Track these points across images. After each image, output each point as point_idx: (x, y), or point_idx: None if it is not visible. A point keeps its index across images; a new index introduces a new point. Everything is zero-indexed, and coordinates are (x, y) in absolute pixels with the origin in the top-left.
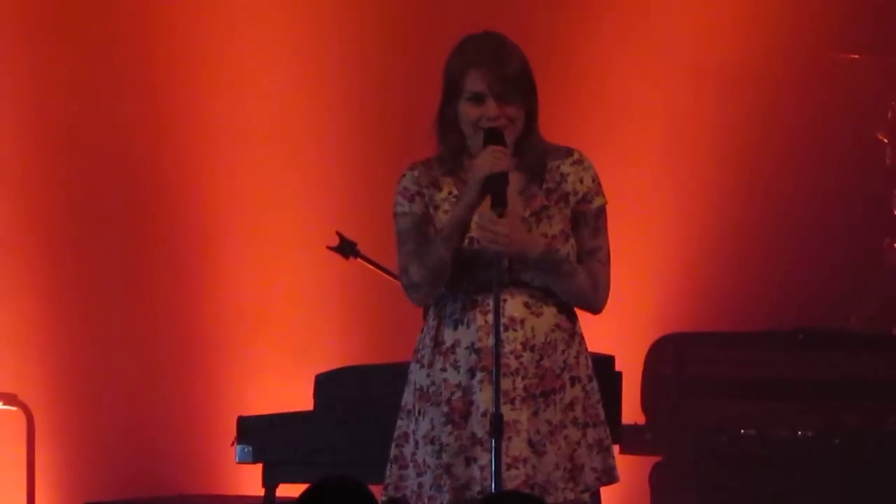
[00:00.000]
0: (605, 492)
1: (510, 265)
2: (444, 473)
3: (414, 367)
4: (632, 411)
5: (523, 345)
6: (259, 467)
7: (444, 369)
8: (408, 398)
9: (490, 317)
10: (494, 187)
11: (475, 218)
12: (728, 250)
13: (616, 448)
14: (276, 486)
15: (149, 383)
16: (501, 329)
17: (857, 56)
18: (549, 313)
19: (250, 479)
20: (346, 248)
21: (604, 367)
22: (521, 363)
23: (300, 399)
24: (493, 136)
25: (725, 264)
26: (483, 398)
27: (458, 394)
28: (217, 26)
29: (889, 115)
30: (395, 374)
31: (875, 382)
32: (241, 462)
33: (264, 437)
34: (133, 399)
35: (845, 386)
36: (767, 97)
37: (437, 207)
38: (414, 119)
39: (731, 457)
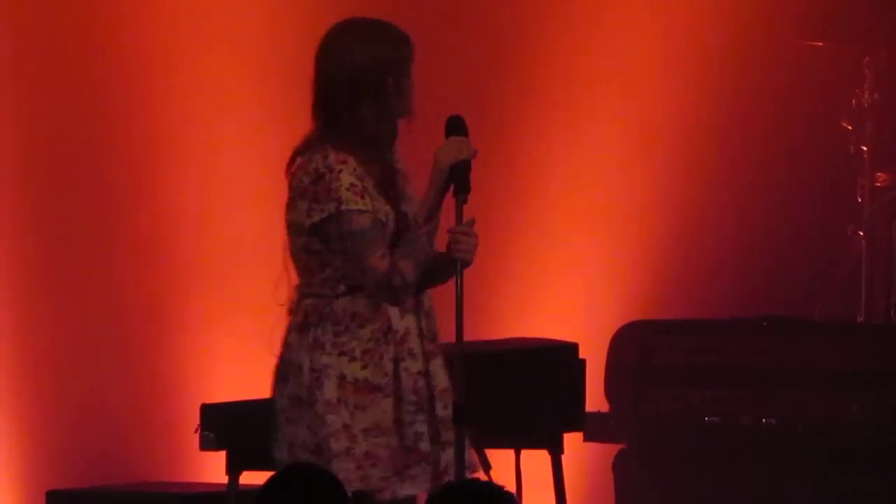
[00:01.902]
0: (569, 479)
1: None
2: (421, 461)
3: (337, 360)
4: (595, 399)
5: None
6: (223, 454)
7: (400, 359)
8: (332, 392)
9: (423, 298)
10: (459, 175)
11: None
12: (692, 238)
13: (579, 435)
14: (239, 473)
15: (110, 370)
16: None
17: (820, 43)
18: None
19: (214, 467)
20: None
21: (567, 354)
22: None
23: (263, 386)
24: (457, 125)
25: (689, 252)
26: (440, 381)
27: (422, 381)
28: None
29: (853, 102)
30: None
31: (839, 371)
32: (204, 449)
33: (228, 424)
34: (94, 386)
35: (809, 375)
36: (730, 85)
37: (373, 199)
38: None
39: (694, 445)
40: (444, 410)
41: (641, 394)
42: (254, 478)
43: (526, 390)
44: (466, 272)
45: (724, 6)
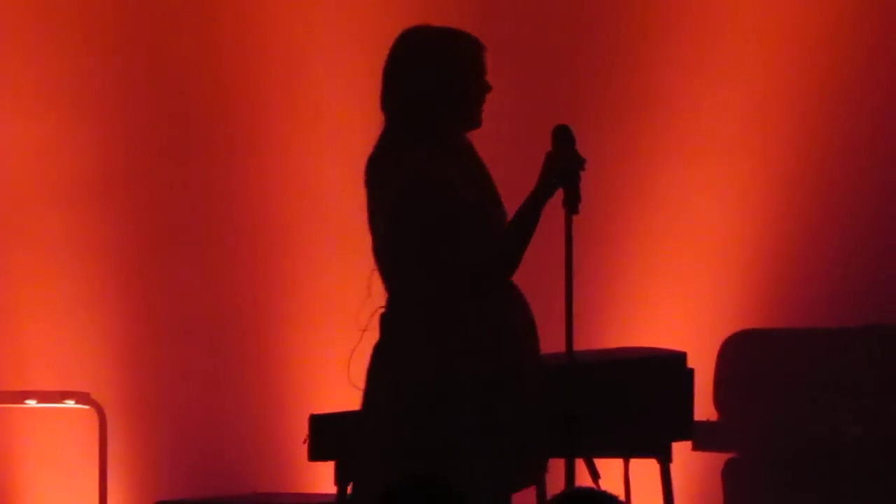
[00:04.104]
0: (678, 488)
1: None
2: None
3: (447, 356)
4: (705, 408)
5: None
6: (332, 465)
7: (511, 353)
8: (452, 388)
9: (516, 292)
10: (570, 184)
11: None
12: (799, 245)
13: (688, 444)
14: (348, 484)
15: (221, 381)
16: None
17: None
18: None
19: (323, 477)
20: None
21: (676, 363)
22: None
23: None
24: (564, 134)
25: (797, 260)
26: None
27: (529, 377)
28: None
29: None
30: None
31: None
32: (313, 460)
33: (337, 434)
34: (205, 397)
35: None
36: (834, 89)
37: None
38: None
39: (803, 454)
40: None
41: (750, 402)
42: None
43: (635, 399)
44: (576, 283)
45: (832, 18)
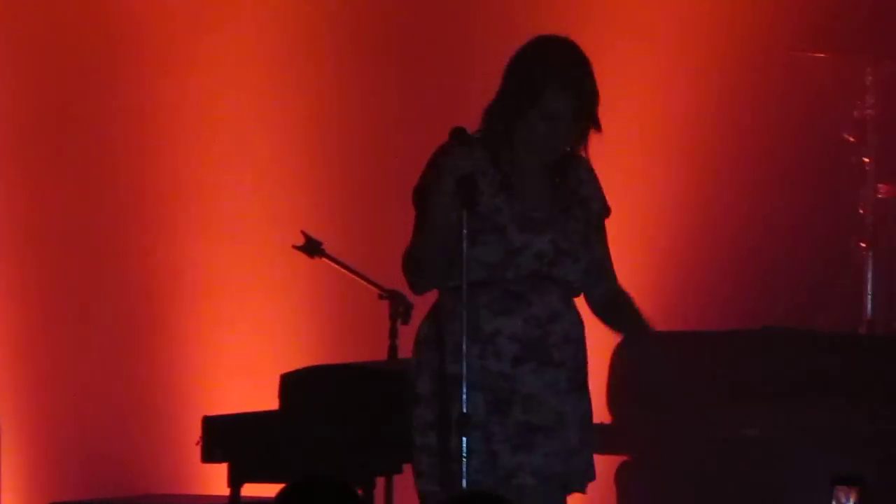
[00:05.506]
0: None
1: (553, 258)
2: (490, 459)
3: (427, 353)
4: (598, 411)
5: (565, 337)
6: (225, 466)
7: (481, 357)
8: (424, 386)
9: (534, 308)
10: (466, 183)
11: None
12: (695, 250)
13: None
14: (241, 485)
15: (113, 383)
16: (546, 321)
17: (822, 55)
18: (576, 309)
19: (216, 479)
20: (311, 247)
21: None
22: (563, 355)
23: (266, 398)
24: (461, 135)
25: (690, 264)
26: (529, 388)
27: (502, 382)
28: (194, 25)
29: (854, 113)
30: (360, 373)
31: (841, 382)
32: (206, 461)
33: (230, 436)
34: (97, 400)
35: (812, 385)
36: (730, 98)
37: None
38: (385, 121)
39: (696, 457)
40: (521, 415)
41: (644, 406)
42: (256, 490)
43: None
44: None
45: (724, 17)
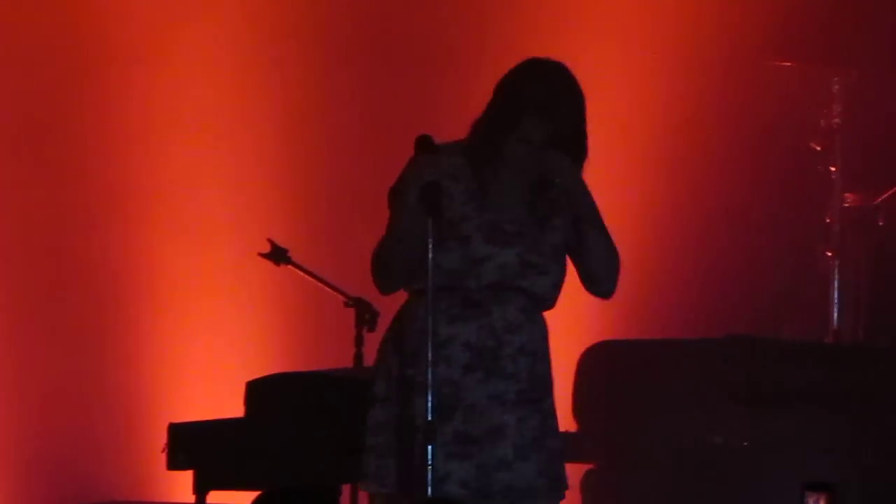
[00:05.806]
0: None
1: (519, 270)
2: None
3: (389, 356)
4: (564, 420)
5: (520, 350)
6: (190, 474)
7: (433, 363)
8: (380, 387)
9: (492, 318)
10: (429, 191)
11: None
12: (659, 259)
13: None
14: (207, 492)
15: (78, 391)
16: (502, 332)
17: (788, 63)
18: (541, 322)
19: (182, 486)
20: (277, 254)
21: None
22: (516, 367)
23: (231, 406)
24: (426, 143)
25: (656, 273)
26: (473, 397)
27: (447, 389)
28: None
29: (821, 122)
30: (326, 381)
31: (806, 390)
32: (172, 469)
33: (195, 443)
34: (62, 407)
35: (778, 395)
36: (696, 106)
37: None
38: (351, 129)
39: (662, 464)
40: (460, 424)
41: (609, 414)
42: (221, 497)
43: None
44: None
45: (692, 26)
